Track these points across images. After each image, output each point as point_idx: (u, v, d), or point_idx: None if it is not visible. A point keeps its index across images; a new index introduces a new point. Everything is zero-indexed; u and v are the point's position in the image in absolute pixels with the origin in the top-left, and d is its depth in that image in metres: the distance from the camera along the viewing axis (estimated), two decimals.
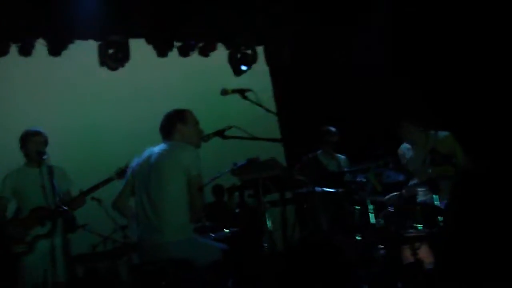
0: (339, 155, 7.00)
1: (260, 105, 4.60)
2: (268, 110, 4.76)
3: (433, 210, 5.28)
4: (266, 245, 4.87)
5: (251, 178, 4.32)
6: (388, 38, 8.35)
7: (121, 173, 5.50)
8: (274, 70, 10.29)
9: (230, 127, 4.61)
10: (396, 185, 5.83)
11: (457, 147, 5.71)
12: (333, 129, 6.96)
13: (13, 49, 8.46)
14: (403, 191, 5.72)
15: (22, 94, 8.91)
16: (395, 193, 5.94)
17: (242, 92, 4.65)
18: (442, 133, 5.87)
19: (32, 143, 5.61)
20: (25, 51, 8.51)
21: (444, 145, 5.63)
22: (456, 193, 5.46)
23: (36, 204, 5.42)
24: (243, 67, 9.98)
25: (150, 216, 4.50)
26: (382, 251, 5.27)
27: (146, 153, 4.78)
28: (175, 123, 4.75)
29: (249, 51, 10.10)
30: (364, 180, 5.39)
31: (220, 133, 4.62)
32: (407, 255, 5.48)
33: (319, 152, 6.87)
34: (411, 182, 5.87)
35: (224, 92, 4.64)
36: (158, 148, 4.71)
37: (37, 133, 5.68)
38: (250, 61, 10.09)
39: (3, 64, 8.56)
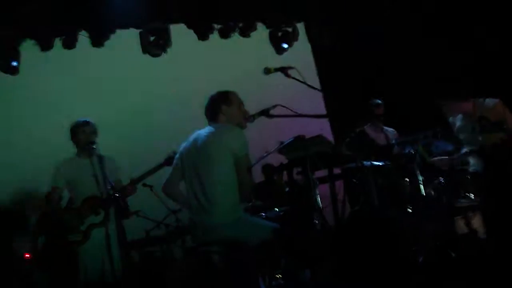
0: (387, 128, 6.92)
1: (304, 82, 4.56)
2: (312, 87, 4.72)
3: (485, 179, 5.19)
4: (317, 221, 4.86)
5: (298, 155, 4.30)
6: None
7: (170, 159, 5.55)
8: (315, 47, 10.22)
9: (275, 106, 4.60)
10: (446, 155, 5.74)
11: (507, 113, 5.58)
12: (379, 101, 6.88)
13: (57, 42, 8.61)
14: (454, 157, 5.63)
15: (69, 86, 9.05)
16: (446, 157, 5.82)
17: (284, 70, 4.62)
18: (490, 100, 5.73)
19: (82, 134, 5.71)
20: (69, 43, 8.64)
21: (493, 112, 5.50)
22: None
23: (88, 193, 5.53)
24: (284, 45, 9.94)
25: (200, 198, 4.54)
26: (435, 223, 5.20)
27: (192, 137, 4.81)
28: (219, 105, 4.76)
29: (289, 29, 10.05)
30: (413, 151, 5.31)
31: (265, 113, 4.61)
32: (461, 225, 5.42)
33: (366, 126, 6.80)
34: (462, 150, 5.77)
35: (267, 71, 4.62)
36: (204, 131, 4.73)
37: (86, 123, 5.78)
38: (291, 38, 10.04)
39: (49, 58, 8.73)
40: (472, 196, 5.26)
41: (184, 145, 4.87)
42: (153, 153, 6.09)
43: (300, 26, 10.16)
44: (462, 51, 7.72)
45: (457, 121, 5.98)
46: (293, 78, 4.60)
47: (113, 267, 5.17)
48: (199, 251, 4.59)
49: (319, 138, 4.32)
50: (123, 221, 6.00)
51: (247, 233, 4.46)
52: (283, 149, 4.38)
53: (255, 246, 4.43)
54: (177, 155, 4.92)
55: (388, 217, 4.99)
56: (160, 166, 5.72)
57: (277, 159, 4.92)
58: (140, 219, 8.15)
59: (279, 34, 10.02)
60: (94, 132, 5.77)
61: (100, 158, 5.37)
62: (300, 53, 9.94)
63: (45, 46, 8.48)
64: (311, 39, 10.16)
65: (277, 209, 5.63)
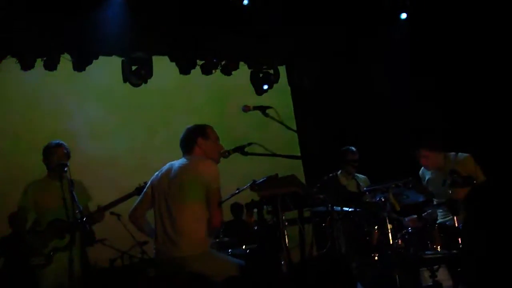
0: (358, 174, 6.98)
1: (281, 122, 4.61)
2: (288, 128, 4.76)
3: (453, 232, 5.23)
4: (283, 262, 4.84)
5: (270, 194, 4.31)
6: (407, 62, 8.39)
7: (141, 189, 5.52)
8: (295, 90, 10.33)
9: (250, 144, 4.62)
10: (415, 206, 5.79)
11: (477, 169, 5.67)
12: (353, 148, 6.94)
13: (39, 63, 8.60)
14: (425, 213, 5.68)
15: (44, 105, 9.04)
16: (415, 215, 5.90)
17: (263, 109, 4.66)
18: (462, 155, 5.85)
19: (54, 156, 5.66)
20: (50, 65, 8.63)
21: (464, 167, 5.60)
22: (469, 209, 5.42)
23: (55, 216, 5.46)
24: (265, 86, 10.03)
25: (168, 229, 4.51)
26: (400, 273, 5.21)
27: (166, 167, 4.80)
28: (196, 138, 4.77)
29: (271, 71, 10.16)
30: (383, 199, 5.36)
31: (240, 149, 4.63)
32: (426, 277, 5.44)
33: (339, 172, 6.85)
34: (433, 202, 5.84)
35: (246, 109, 4.66)
36: (178, 162, 4.73)
37: (59, 145, 5.74)
38: (272, 80, 10.14)
39: (29, 76, 8.72)
40: (438, 248, 5.28)
41: (156, 174, 4.86)
42: (124, 182, 6.05)
43: (281, 69, 10.29)
44: (439, 104, 7.85)
45: (427, 174, 6.07)
46: (271, 117, 4.64)
47: None
48: (163, 283, 4.54)
49: (291, 178, 4.33)
50: (88, 248, 5.96)
51: (213, 268, 4.42)
52: (255, 186, 4.38)
53: (219, 282, 4.40)
54: (148, 183, 4.90)
55: (350, 266, 5.00)
56: (129, 195, 5.67)
57: (248, 198, 4.92)
58: (105, 247, 8.07)
59: (260, 75, 10.12)
60: (67, 155, 5.72)
61: (71, 182, 5.33)
62: (279, 94, 10.04)
63: (26, 65, 8.46)
64: (291, 82, 10.27)
65: (243, 247, 5.61)
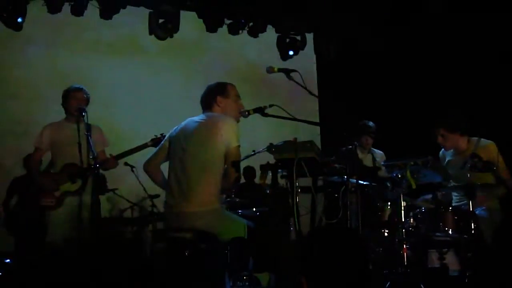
0: (375, 149, 6.89)
1: (304, 87, 4.53)
2: (311, 93, 4.69)
3: (467, 216, 5.16)
4: (292, 228, 4.81)
5: (287, 157, 4.25)
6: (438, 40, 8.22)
7: (156, 141, 5.49)
8: (320, 59, 10.23)
9: (272, 105, 4.56)
10: (430, 186, 5.71)
11: (499, 157, 5.58)
12: (372, 124, 6.84)
13: (66, 7, 8.55)
14: (439, 193, 5.61)
15: (68, 52, 8.99)
16: (429, 196, 5.83)
17: (287, 71, 4.59)
18: (485, 141, 5.76)
19: (74, 100, 5.64)
20: (77, 11, 8.58)
21: (486, 153, 5.50)
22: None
23: (70, 160, 5.46)
24: (291, 52, 9.94)
25: (181, 182, 4.47)
26: (408, 251, 5.17)
27: (185, 122, 4.75)
28: (215, 96, 4.72)
29: (298, 37, 10.05)
30: (400, 176, 5.28)
31: (261, 110, 4.55)
32: (434, 258, 5.39)
33: (356, 144, 6.76)
34: (450, 184, 5.76)
35: (270, 70, 4.59)
36: (197, 117, 4.68)
37: (79, 90, 5.73)
38: (298, 47, 10.04)
39: (56, 21, 8.68)
40: (450, 231, 5.22)
41: (175, 128, 4.82)
42: (145, 133, 6.00)
43: (309, 36, 10.18)
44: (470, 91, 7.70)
45: (448, 155, 5.98)
46: (294, 81, 4.57)
47: (81, 237, 5.10)
48: (170, 235, 4.52)
49: (310, 144, 4.27)
50: (99, 197, 5.98)
51: (221, 226, 4.40)
52: (273, 148, 4.32)
53: (227, 241, 4.38)
54: (166, 136, 4.86)
55: (361, 236, 4.95)
56: (144, 146, 5.65)
57: (263, 161, 4.87)
58: (116, 197, 8.13)
59: (287, 40, 10.02)
60: (86, 100, 5.70)
61: (88, 126, 5.30)
62: (304, 62, 9.94)
63: (54, 8, 8.42)
64: (317, 50, 10.17)
65: (254, 209, 5.59)
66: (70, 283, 4.76)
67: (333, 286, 4.18)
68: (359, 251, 3.65)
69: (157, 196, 7.53)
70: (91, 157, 5.22)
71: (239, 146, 4.49)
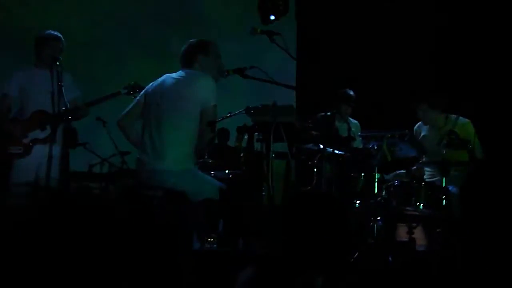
0: (351, 119, 6.84)
1: (286, 50, 4.48)
2: (292, 57, 4.67)
3: (439, 192, 5.17)
4: (264, 193, 4.77)
5: (265, 120, 4.19)
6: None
7: (129, 89, 5.35)
8: (301, 26, 10.10)
9: (252, 67, 4.49)
10: (405, 161, 5.71)
11: (475, 136, 5.60)
12: (352, 93, 6.77)
13: None
14: (413, 168, 5.62)
15: None
16: (402, 171, 5.84)
17: (270, 34, 4.55)
18: (463, 119, 5.80)
19: (49, 48, 5.43)
20: None
21: (463, 131, 5.53)
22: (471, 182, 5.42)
23: (40, 107, 5.29)
24: (272, 17, 9.78)
25: (155, 140, 4.39)
26: (379, 223, 5.17)
27: (161, 78, 4.65)
28: (196, 53, 4.61)
29: (280, 2, 9.89)
30: (376, 147, 5.25)
31: (241, 71, 4.49)
32: (402, 232, 5.41)
33: (335, 112, 6.69)
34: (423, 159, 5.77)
35: (253, 31, 4.54)
36: (175, 74, 4.58)
37: (57, 39, 5.49)
38: (281, 12, 9.89)
39: None
40: (421, 206, 5.22)
41: (151, 84, 4.71)
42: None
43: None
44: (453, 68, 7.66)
45: (423, 130, 5.99)
46: (277, 44, 4.51)
47: (47, 187, 4.97)
48: (140, 193, 4.44)
49: (289, 108, 4.23)
50: (69, 150, 5.83)
51: (193, 186, 4.33)
52: (252, 110, 4.26)
53: (197, 201, 4.32)
54: (142, 92, 4.75)
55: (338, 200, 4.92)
56: (116, 94, 5.49)
57: (239, 123, 4.80)
58: (85, 152, 7.99)
59: (269, 4, 9.85)
60: (62, 49, 5.50)
61: (60, 74, 5.10)
62: (285, 28, 9.80)
63: None
64: (298, 16, 10.04)
65: (227, 171, 5.53)
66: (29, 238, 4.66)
67: (312, 254, 4.14)
68: (341, 218, 3.59)
69: (128, 153, 7.41)
70: (63, 108, 5.06)
71: (216, 105, 4.41)
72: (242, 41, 7.83)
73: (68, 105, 5.06)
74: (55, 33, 5.52)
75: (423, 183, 5.34)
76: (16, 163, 5.33)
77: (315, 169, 5.30)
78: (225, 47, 5.04)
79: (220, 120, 4.65)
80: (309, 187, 4.94)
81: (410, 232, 5.28)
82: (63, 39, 5.52)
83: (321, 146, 5.11)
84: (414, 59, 8.00)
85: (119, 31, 9.22)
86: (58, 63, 5.17)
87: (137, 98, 4.75)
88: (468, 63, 7.51)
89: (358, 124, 6.85)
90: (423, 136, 5.94)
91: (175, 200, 4.26)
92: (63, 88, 5.01)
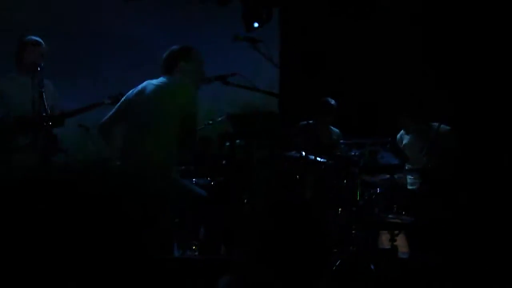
0: (333, 128, 6.84)
1: (269, 58, 4.49)
2: (274, 64, 4.68)
3: (420, 200, 5.20)
4: (246, 201, 4.76)
5: (247, 127, 4.19)
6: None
7: (112, 98, 5.31)
8: (285, 34, 10.12)
9: (234, 74, 4.47)
10: (387, 168, 5.71)
11: (457, 144, 5.65)
12: (333, 102, 6.77)
13: None
14: (396, 175, 5.63)
15: None
16: (387, 176, 5.83)
17: (253, 41, 4.55)
18: (445, 127, 5.83)
19: (30, 53, 5.36)
20: None
21: (445, 139, 5.56)
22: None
23: (22, 113, 5.21)
24: (255, 24, 9.80)
25: (136, 147, 4.37)
26: (360, 230, 5.18)
27: (142, 85, 4.62)
28: (177, 60, 4.59)
29: (264, 10, 9.91)
30: (358, 155, 5.26)
31: (223, 78, 4.48)
32: (385, 240, 5.42)
33: (317, 120, 6.69)
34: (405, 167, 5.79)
35: (236, 38, 4.53)
36: (156, 81, 4.55)
37: (39, 44, 5.41)
38: (264, 20, 9.90)
39: None
40: (403, 214, 5.24)
41: (132, 90, 4.68)
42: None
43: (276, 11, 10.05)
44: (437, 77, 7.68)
45: (405, 138, 6.01)
46: (259, 51, 4.51)
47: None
48: (120, 199, 4.40)
49: (273, 115, 4.23)
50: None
51: (174, 193, 4.31)
52: (234, 117, 4.25)
53: (178, 209, 4.30)
54: (123, 99, 4.72)
55: (316, 214, 4.91)
56: (98, 104, 5.44)
57: (220, 130, 4.80)
58: (66, 158, 7.90)
59: (253, 12, 9.87)
60: (43, 55, 5.42)
61: (41, 81, 5.05)
62: (268, 36, 9.80)
63: None
64: (282, 25, 10.06)
65: (208, 178, 5.52)
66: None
67: (290, 261, 4.14)
68: (318, 227, 3.59)
69: (110, 160, 7.35)
70: (44, 114, 5.00)
71: (196, 114, 4.39)
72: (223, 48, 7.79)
73: (49, 111, 5.01)
74: (35, 38, 5.43)
75: (405, 191, 5.35)
76: None
77: (297, 177, 5.28)
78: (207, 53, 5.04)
79: (201, 128, 4.63)
80: (289, 195, 4.93)
81: (392, 239, 5.29)
82: (43, 44, 5.44)
83: (303, 154, 5.09)
84: (397, 67, 8.00)
85: None
86: (39, 69, 5.11)
87: (118, 104, 4.72)
88: (454, 73, 7.52)
89: (339, 132, 6.86)
90: (405, 144, 5.97)
91: (155, 207, 4.23)
92: (44, 96, 4.95)
